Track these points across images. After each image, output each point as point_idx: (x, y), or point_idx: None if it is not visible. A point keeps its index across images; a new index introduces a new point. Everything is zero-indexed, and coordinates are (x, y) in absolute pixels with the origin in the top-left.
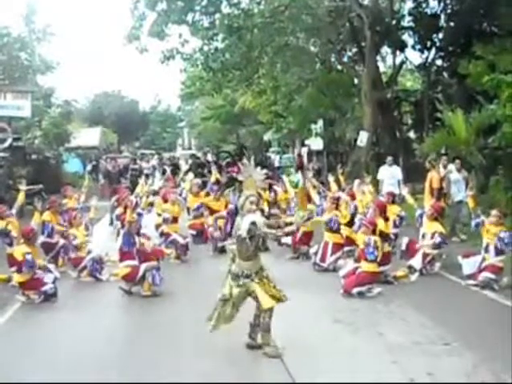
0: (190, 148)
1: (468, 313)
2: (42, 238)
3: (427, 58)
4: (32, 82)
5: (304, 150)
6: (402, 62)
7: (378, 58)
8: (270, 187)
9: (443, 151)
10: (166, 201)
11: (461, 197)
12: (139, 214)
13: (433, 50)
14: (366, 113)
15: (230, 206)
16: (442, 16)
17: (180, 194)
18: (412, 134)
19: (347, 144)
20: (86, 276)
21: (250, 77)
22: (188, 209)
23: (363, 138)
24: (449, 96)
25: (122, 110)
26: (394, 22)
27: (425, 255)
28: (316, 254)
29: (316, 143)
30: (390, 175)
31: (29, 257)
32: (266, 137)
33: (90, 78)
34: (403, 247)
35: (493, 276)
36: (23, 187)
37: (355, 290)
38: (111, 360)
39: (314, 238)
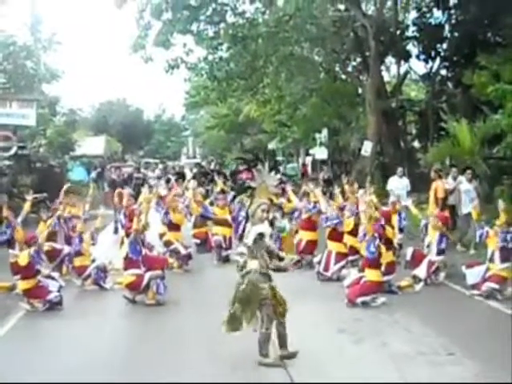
0: (194, 157)
1: (472, 323)
2: (46, 246)
3: (431, 67)
4: (37, 91)
5: (308, 160)
6: (407, 72)
7: (383, 67)
8: (284, 192)
9: (448, 161)
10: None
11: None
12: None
13: (437, 60)
14: (370, 122)
15: (234, 215)
16: (447, 26)
17: (187, 206)
18: (416, 144)
19: (351, 153)
20: (91, 284)
21: (255, 86)
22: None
23: (367, 148)
24: (453, 106)
25: (126, 119)
26: (398, 31)
27: (430, 265)
28: (319, 263)
29: (320, 152)
30: (401, 186)
31: (32, 251)
32: (271, 146)
33: (95, 87)
34: (408, 257)
35: (496, 286)
36: (29, 197)
37: (359, 300)
38: (115, 369)
39: (318, 247)
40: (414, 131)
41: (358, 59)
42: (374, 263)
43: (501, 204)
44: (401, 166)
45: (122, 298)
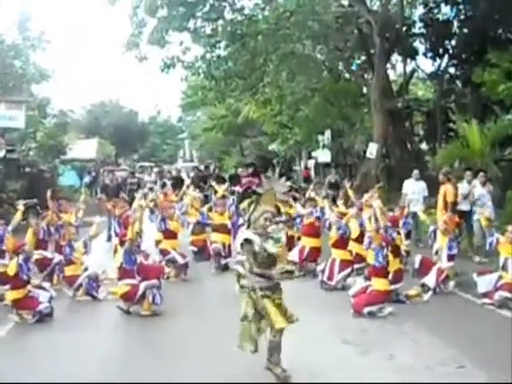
0: (191, 160)
1: (483, 333)
2: (36, 255)
3: (439, 65)
4: (26, 92)
5: (311, 163)
6: (413, 70)
7: (388, 65)
8: (295, 200)
9: (457, 164)
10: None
11: (487, 213)
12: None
13: (445, 58)
14: (375, 123)
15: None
16: (455, 22)
17: (184, 213)
18: (424, 146)
19: (356, 156)
20: (82, 295)
21: (254, 86)
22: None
23: (373, 150)
24: (462, 106)
25: (119, 121)
26: (404, 28)
27: (439, 273)
28: (323, 271)
29: (323, 155)
30: (417, 190)
31: (20, 260)
32: (271, 148)
33: (87, 88)
34: (416, 265)
35: (509, 295)
36: (21, 207)
37: (366, 310)
38: (108, 383)
39: (322, 254)
40: (421, 132)
41: (363, 57)
42: (382, 272)
43: None
44: (407, 169)
45: (115, 309)
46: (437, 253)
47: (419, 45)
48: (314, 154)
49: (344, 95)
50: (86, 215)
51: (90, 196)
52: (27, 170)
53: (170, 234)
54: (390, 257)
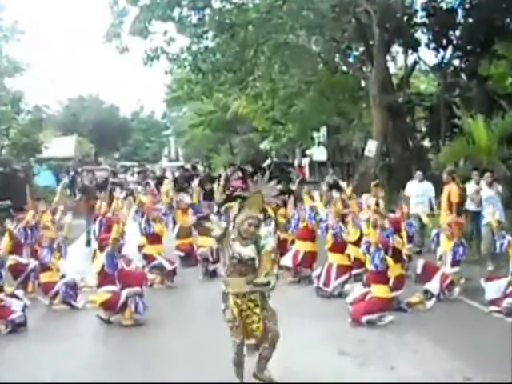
0: (177, 159)
1: (490, 343)
2: (10, 260)
3: (443, 57)
4: None
5: (305, 161)
6: (415, 63)
7: (388, 57)
8: (285, 205)
9: (462, 162)
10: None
11: (497, 216)
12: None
13: (449, 49)
14: (374, 119)
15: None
16: (460, 11)
17: (165, 214)
18: (427, 143)
19: (354, 154)
20: (59, 303)
21: (244, 79)
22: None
23: (372, 148)
24: (468, 100)
25: (99, 117)
26: (405, 17)
27: (443, 279)
28: (319, 277)
29: (319, 153)
30: (421, 192)
31: None
32: (263, 146)
33: (64, 82)
34: (419, 270)
35: None
36: None
37: (364, 319)
38: None
39: (318, 259)
40: (423, 129)
41: (361, 48)
42: (381, 277)
43: None
44: (409, 168)
45: (95, 319)
46: (441, 258)
47: (421, 35)
48: (308, 152)
49: (341, 89)
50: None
51: (68, 197)
52: None
53: (155, 238)
54: (391, 262)
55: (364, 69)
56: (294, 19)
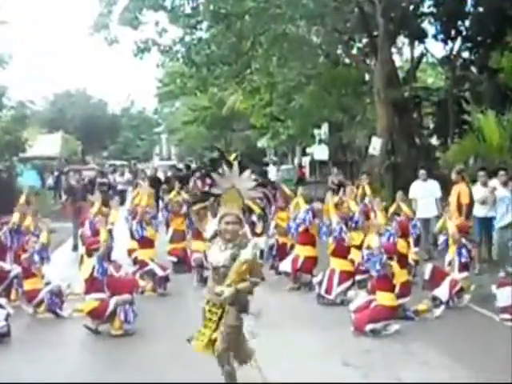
0: (169, 158)
1: (502, 353)
2: None
3: (451, 49)
4: None
5: (306, 160)
6: (422, 55)
7: (393, 49)
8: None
9: (472, 161)
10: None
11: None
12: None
13: (458, 41)
14: (379, 115)
15: None
16: (469, 0)
17: (154, 217)
18: (434, 141)
19: (357, 152)
20: (44, 312)
21: (241, 72)
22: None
23: (376, 145)
24: (478, 94)
25: (87, 113)
26: (411, 7)
27: (452, 285)
28: (320, 283)
29: (320, 152)
30: (427, 193)
31: None
32: (260, 144)
33: (50, 76)
34: (427, 276)
35: None
36: None
37: (368, 327)
38: None
39: (320, 263)
40: (431, 125)
41: (364, 40)
42: (386, 284)
43: None
44: (415, 167)
45: (82, 328)
46: (450, 264)
47: (428, 26)
48: (309, 150)
49: (343, 83)
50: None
51: (54, 199)
52: None
53: (147, 242)
54: (397, 267)
55: (368, 61)
56: (294, 9)
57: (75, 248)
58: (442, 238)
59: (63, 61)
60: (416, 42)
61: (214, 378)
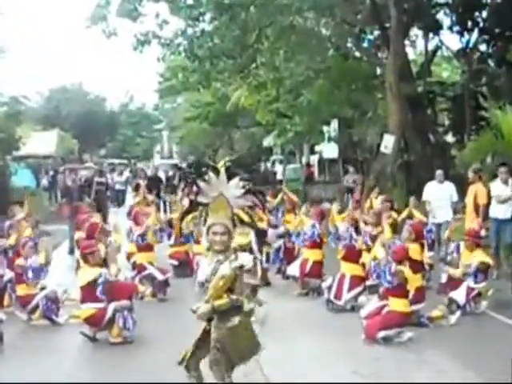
0: (170, 156)
1: None
2: None
3: (468, 42)
4: None
5: (314, 159)
6: (437, 48)
7: (407, 42)
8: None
9: (489, 159)
10: (138, 224)
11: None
12: None
13: (475, 33)
14: (391, 111)
15: None
16: None
17: (161, 230)
18: (450, 138)
19: (368, 150)
20: (39, 318)
21: (246, 67)
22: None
23: (388, 143)
24: (495, 89)
25: (84, 110)
26: None
27: (469, 290)
28: (330, 288)
29: (329, 150)
30: (442, 195)
31: None
32: (266, 142)
33: (45, 70)
34: (443, 279)
35: None
36: None
37: (380, 335)
38: None
39: (329, 268)
40: (446, 122)
41: (376, 32)
42: (399, 291)
43: None
44: (430, 166)
45: (79, 336)
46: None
47: (444, 17)
48: (317, 148)
49: (354, 77)
50: (45, 223)
51: (49, 200)
52: None
53: (146, 246)
54: (409, 273)
55: (379, 55)
56: (301, 0)
57: (71, 251)
58: (452, 246)
59: (59, 55)
60: (430, 34)
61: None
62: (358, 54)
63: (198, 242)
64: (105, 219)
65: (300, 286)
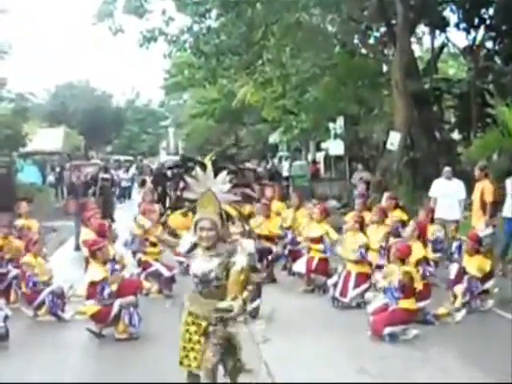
0: (176, 153)
1: None
2: None
3: (474, 39)
4: None
5: (320, 156)
6: (443, 45)
7: (413, 39)
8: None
9: (496, 156)
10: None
11: None
12: None
13: (481, 30)
14: (397, 108)
15: None
16: None
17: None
18: (456, 135)
19: (374, 148)
20: (45, 314)
21: (252, 63)
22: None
23: (394, 140)
24: (502, 87)
25: (90, 106)
26: None
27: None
28: (335, 285)
29: (335, 147)
30: (450, 193)
31: None
32: (272, 139)
33: (51, 66)
34: (452, 275)
35: None
36: None
37: (386, 331)
38: None
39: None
40: (452, 119)
41: (382, 29)
42: (406, 292)
43: None
44: (436, 163)
45: (85, 332)
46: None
47: (450, 14)
48: (323, 145)
49: (360, 74)
50: (51, 220)
51: (56, 197)
52: None
53: (151, 242)
54: (414, 272)
55: (386, 52)
56: None
57: (77, 247)
58: (454, 244)
59: (65, 51)
60: (437, 31)
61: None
62: (364, 50)
63: None
64: (111, 216)
65: (306, 283)
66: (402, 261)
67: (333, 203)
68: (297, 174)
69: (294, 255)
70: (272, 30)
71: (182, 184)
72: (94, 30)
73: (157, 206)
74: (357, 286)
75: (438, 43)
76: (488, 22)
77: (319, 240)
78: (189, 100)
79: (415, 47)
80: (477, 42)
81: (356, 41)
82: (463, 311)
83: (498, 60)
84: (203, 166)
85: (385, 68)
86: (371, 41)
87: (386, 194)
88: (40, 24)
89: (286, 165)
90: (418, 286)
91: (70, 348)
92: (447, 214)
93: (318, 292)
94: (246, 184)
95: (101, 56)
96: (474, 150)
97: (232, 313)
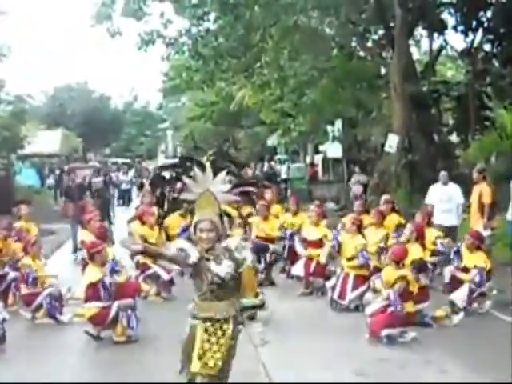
0: (174, 156)
1: None
2: None
3: (472, 41)
4: None
5: (318, 158)
6: (441, 47)
7: (411, 42)
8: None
9: (493, 159)
10: (144, 223)
11: None
12: None
13: (479, 32)
14: (395, 111)
15: None
16: None
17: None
18: (454, 138)
19: (372, 150)
20: (43, 317)
21: (250, 66)
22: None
23: (392, 143)
24: (500, 89)
25: (88, 108)
26: None
27: (472, 291)
28: (334, 288)
29: (333, 149)
30: (446, 197)
31: None
32: (270, 141)
33: (49, 68)
34: (447, 278)
35: None
36: None
37: (384, 332)
38: None
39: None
40: (450, 121)
41: (380, 32)
42: (404, 296)
43: None
44: (434, 166)
45: (83, 335)
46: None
47: (448, 17)
48: (321, 147)
49: (358, 77)
50: (49, 222)
51: (54, 199)
52: None
53: (150, 244)
54: (411, 276)
55: (384, 54)
56: None
57: (75, 250)
58: (453, 249)
59: (64, 54)
60: (435, 34)
61: None
62: (362, 53)
63: None
64: (109, 218)
65: (304, 286)
66: (398, 263)
67: (331, 206)
68: (295, 177)
69: (293, 258)
70: (270, 32)
71: (179, 185)
72: (92, 32)
73: (155, 209)
74: (355, 288)
75: (436, 46)
76: (486, 24)
77: (318, 243)
78: (187, 103)
79: (413, 50)
80: (475, 45)
81: (354, 43)
82: (461, 314)
83: (495, 63)
84: (202, 166)
85: (383, 71)
86: (369, 43)
87: (383, 197)
88: (38, 25)
89: (284, 167)
90: (414, 288)
91: (68, 350)
92: (444, 219)
93: (316, 294)
94: (250, 182)
95: (99, 58)
96: (472, 152)
97: (265, 306)
